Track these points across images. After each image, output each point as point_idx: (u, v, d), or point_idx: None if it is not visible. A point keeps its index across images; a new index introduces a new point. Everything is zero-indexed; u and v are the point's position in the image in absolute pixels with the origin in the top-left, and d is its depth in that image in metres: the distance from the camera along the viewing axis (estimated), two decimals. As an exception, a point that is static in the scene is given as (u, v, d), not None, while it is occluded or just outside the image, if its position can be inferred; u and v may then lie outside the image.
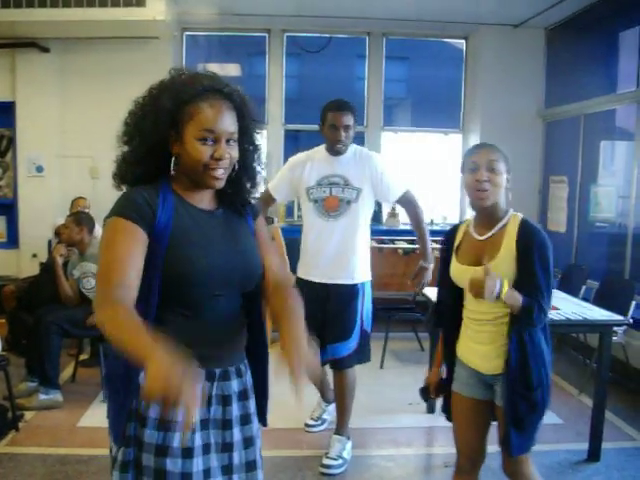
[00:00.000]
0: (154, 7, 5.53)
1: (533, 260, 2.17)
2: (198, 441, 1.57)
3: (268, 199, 3.61)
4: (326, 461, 3.39)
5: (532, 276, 2.17)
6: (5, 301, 5.39)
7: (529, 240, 2.19)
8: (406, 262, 5.71)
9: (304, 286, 3.39)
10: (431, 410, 4.13)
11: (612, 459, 3.53)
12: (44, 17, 5.56)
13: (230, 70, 8.18)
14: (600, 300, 4.58)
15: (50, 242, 6.04)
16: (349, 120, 3.34)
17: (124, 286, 1.47)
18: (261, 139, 1.78)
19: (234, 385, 1.69)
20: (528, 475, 2.34)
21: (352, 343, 3.42)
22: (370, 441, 3.78)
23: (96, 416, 3.93)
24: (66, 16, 5.54)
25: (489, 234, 2.28)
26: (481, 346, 2.31)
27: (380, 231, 6.71)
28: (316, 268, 3.43)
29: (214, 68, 7.56)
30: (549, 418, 4.02)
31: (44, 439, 3.68)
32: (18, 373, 4.26)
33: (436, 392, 2.55)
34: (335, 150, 3.39)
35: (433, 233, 6.42)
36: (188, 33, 7.05)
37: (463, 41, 7.26)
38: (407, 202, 3.53)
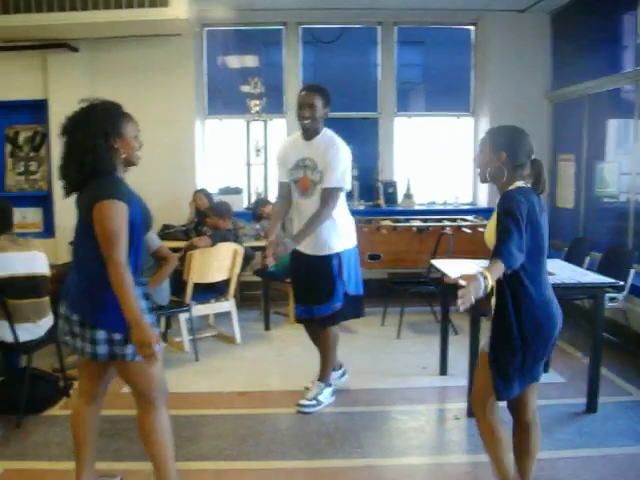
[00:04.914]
0: (177, 7, 5.83)
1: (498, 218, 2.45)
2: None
3: (287, 189, 3.91)
4: (301, 401, 3.88)
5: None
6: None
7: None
8: (420, 239, 6.00)
9: (294, 254, 3.87)
10: (444, 372, 4.48)
11: (608, 411, 3.84)
12: (75, 20, 5.91)
13: (248, 61, 8.45)
14: (602, 270, 4.79)
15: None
16: (311, 99, 3.61)
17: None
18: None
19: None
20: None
21: (336, 304, 3.81)
22: (387, 399, 4.11)
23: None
24: (95, 18, 5.88)
25: None
26: None
27: (395, 211, 7.07)
28: None
29: (233, 60, 7.81)
30: (553, 378, 4.38)
31: (94, 403, 4.06)
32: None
33: None
34: (302, 128, 3.70)
35: (446, 212, 6.82)
36: (208, 28, 7.40)
37: (472, 27, 7.53)
38: (322, 197, 3.70)
